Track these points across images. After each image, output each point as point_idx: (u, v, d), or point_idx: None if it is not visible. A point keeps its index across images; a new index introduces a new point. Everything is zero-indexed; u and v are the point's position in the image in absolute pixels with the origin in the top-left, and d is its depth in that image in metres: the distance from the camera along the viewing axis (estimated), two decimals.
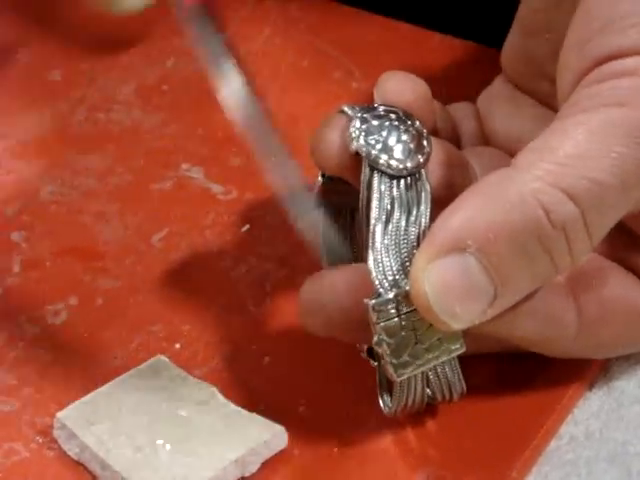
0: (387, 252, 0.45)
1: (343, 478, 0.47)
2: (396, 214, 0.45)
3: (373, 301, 0.44)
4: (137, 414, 0.47)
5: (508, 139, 0.51)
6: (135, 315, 0.51)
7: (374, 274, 0.44)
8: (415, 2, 0.61)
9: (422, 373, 0.45)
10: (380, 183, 0.46)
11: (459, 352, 0.45)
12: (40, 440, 0.47)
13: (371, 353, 0.47)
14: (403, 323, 0.44)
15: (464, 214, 0.43)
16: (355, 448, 0.47)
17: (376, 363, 0.47)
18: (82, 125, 0.57)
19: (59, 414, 0.47)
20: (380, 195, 0.45)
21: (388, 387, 0.46)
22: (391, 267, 0.44)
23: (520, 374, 0.49)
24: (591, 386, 0.49)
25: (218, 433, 0.46)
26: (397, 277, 0.44)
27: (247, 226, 0.54)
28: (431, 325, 0.44)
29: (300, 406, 0.48)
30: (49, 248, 0.53)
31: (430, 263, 0.43)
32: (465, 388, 0.46)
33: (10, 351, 0.50)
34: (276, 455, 0.47)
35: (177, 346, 0.50)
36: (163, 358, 0.49)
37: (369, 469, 0.47)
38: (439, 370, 0.46)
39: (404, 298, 0.44)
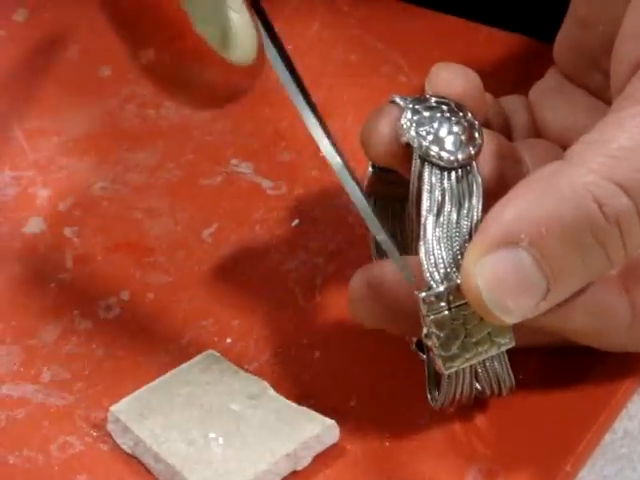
0: (439, 244, 0.45)
1: (394, 472, 0.47)
2: (447, 206, 0.45)
3: (424, 294, 0.44)
4: (189, 408, 0.47)
5: (560, 131, 0.51)
6: (186, 310, 0.51)
7: (425, 266, 0.44)
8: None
9: (470, 367, 0.45)
10: (431, 175, 0.46)
11: (508, 346, 0.45)
12: (94, 434, 0.48)
13: (420, 346, 0.48)
14: (453, 316, 0.44)
15: (516, 208, 0.43)
16: (406, 442, 0.47)
17: (425, 356, 0.47)
18: (132, 121, 0.57)
19: (113, 408, 0.47)
20: (431, 187, 0.45)
21: (436, 380, 0.46)
22: (443, 260, 0.44)
23: (572, 368, 0.49)
24: None
25: (270, 427, 0.47)
26: (449, 270, 0.44)
27: (297, 221, 0.54)
28: (481, 319, 0.44)
29: (351, 400, 0.48)
30: (101, 243, 0.53)
31: (482, 257, 0.43)
32: (514, 383, 0.46)
33: (64, 346, 0.50)
34: (328, 449, 0.47)
35: (228, 341, 0.50)
36: (214, 352, 0.49)
37: (420, 463, 0.47)
38: (487, 364, 0.46)
39: (455, 291, 0.44)
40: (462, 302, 0.44)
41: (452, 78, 0.48)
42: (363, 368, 0.49)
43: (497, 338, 0.45)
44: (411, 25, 0.59)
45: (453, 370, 0.45)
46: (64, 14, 0.61)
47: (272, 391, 0.48)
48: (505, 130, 0.51)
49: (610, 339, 0.47)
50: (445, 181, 0.46)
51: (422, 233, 0.45)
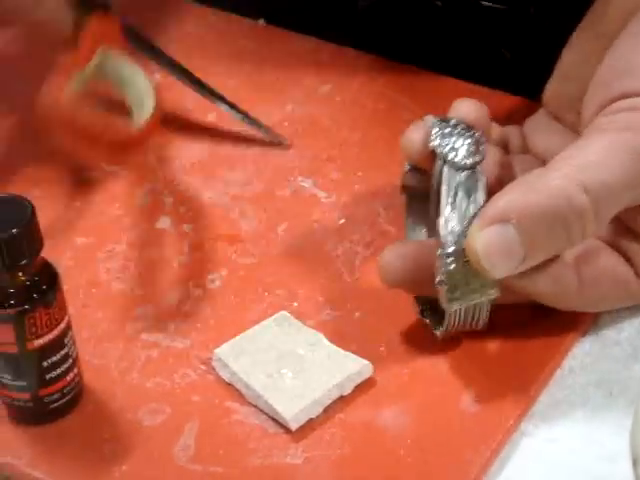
0: (452, 220, 0.44)
1: (411, 395, 0.46)
2: (459, 195, 0.44)
3: (440, 251, 0.44)
4: (268, 352, 0.47)
5: (543, 151, 0.50)
6: (266, 282, 0.50)
7: (442, 233, 0.44)
8: (474, 64, 0.59)
9: (465, 308, 0.45)
10: (448, 172, 0.45)
11: (494, 296, 0.45)
12: (203, 368, 0.47)
13: (422, 314, 0.47)
14: (458, 270, 0.44)
15: (508, 197, 0.43)
16: (421, 374, 0.46)
17: (427, 320, 0.47)
18: (229, 150, 0.56)
19: (216, 350, 0.47)
20: (448, 181, 0.45)
21: (440, 321, 0.46)
22: (454, 231, 0.44)
23: (535, 323, 0.47)
24: (584, 333, 0.48)
25: (324, 366, 0.46)
26: (457, 238, 0.44)
27: (342, 220, 0.53)
28: (478, 274, 0.44)
29: (381, 346, 0.48)
30: (207, 235, 0.52)
31: (482, 229, 0.43)
32: (487, 322, 0.46)
33: (182, 306, 0.50)
34: (364, 381, 0.46)
35: (295, 304, 0.49)
36: (285, 313, 0.49)
37: (431, 389, 0.46)
38: (476, 307, 0.45)
39: (461, 252, 0.44)
40: (465, 260, 0.44)
41: (469, 107, 0.47)
42: (390, 323, 0.48)
43: (487, 289, 0.44)
44: (425, 85, 0.58)
45: (455, 308, 0.45)
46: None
47: (326, 340, 0.47)
48: (504, 148, 0.50)
49: (563, 301, 0.46)
50: (458, 177, 0.45)
51: (441, 212, 0.44)
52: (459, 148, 0.45)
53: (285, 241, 0.52)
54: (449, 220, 0.44)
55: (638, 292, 0.46)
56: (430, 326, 0.47)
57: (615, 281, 0.46)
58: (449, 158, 0.45)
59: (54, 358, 0.44)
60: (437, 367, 0.47)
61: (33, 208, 0.42)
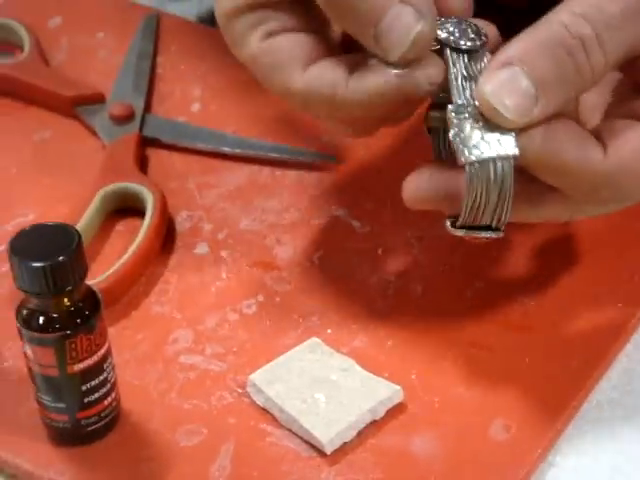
0: (464, 87, 0.43)
1: (443, 422, 0.46)
2: (466, 71, 0.44)
3: (451, 106, 0.43)
4: (302, 377, 0.47)
5: None
6: (301, 309, 0.51)
7: (455, 92, 0.43)
8: None
9: (485, 190, 0.42)
10: (455, 57, 0.44)
11: (513, 152, 0.42)
12: (240, 391, 0.48)
13: (454, 225, 0.44)
14: (472, 122, 0.42)
15: (511, 45, 0.42)
16: (451, 401, 0.47)
17: (452, 229, 0.44)
18: (266, 179, 0.57)
19: (251, 376, 0.47)
20: (455, 65, 0.44)
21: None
22: (464, 92, 0.43)
23: (565, 351, 0.48)
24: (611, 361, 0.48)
25: (357, 391, 0.47)
26: (469, 97, 0.43)
27: (380, 250, 0.53)
28: (493, 128, 0.42)
29: (412, 374, 0.48)
30: (245, 262, 0.53)
31: (490, 75, 0.42)
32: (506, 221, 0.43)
33: (220, 330, 0.50)
34: (395, 406, 0.47)
35: (329, 331, 0.50)
36: (317, 339, 0.49)
37: (461, 417, 0.46)
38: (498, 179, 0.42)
39: (474, 108, 0.42)
40: (479, 114, 0.42)
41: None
42: (421, 353, 0.49)
43: (504, 146, 0.42)
44: None
45: (472, 159, 0.42)
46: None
47: (358, 367, 0.48)
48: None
49: (588, 174, 0.43)
50: (463, 59, 0.44)
51: (454, 81, 0.43)
52: (462, 33, 0.44)
53: (320, 269, 0.52)
54: (461, 85, 0.43)
55: None
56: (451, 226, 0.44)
57: (638, 134, 0.43)
58: (452, 43, 0.44)
59: (93, 382, 0.45)
60: (467, 395, 0.47)
61: (79, 236, 0.43)
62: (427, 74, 0.44)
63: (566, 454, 0.45)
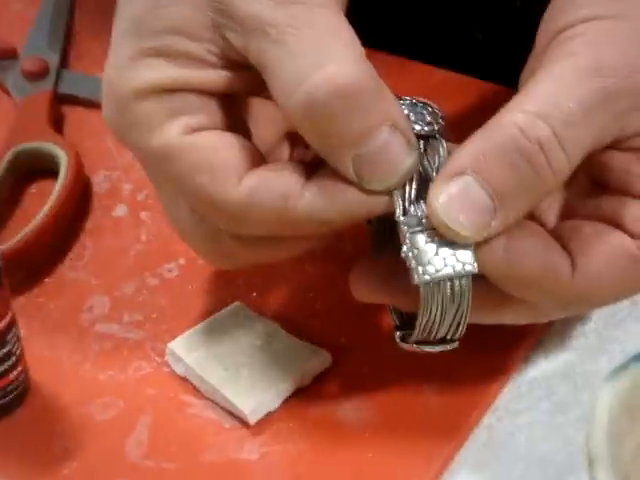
0: (419, 191, 0.40)
1: (370, 386, 0.45)
2: (421, 165, 0.40)
3: (403, 218, 0.39)
4: (224, 344, 0.45)
5: None
6: (224, 272, 0.48)
7: (403, 206, 0.39)
8: (450, 50, 0.56)
9: (441, 310, 0.39)
10: None
11: (472, 270, 0.39)
12: (159, 360, 0.46)
13: (402, 339, 0.43)
14: (425, 237, 0.39)
15: (462, 150, 0.39)
16: (380, 369, 0.45)
17: (405, 345, 0.42)
18: None
19: (169, 344, 0.46)
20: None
21: (410, 323, 0.42)
22: (418, 198, 0.40)
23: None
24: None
25: (283, 357, 0.45)
26: (423, 205, 0.39)
27: None
28: (448, 243, 0.39)
29: (341, 338, 0.46)
30: (166, 223, 0.49)
31: (440, 187, 0.39)
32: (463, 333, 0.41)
33: (138, 297, 0.48)
34: (323, 372, 0.45)
35: (254, 294, 0.48)
36: (239, 303, 0.47)
37: (393, 381, 0.45)
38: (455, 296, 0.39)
39: (426, 219, 0.39)
40: (432, 227, 0.39)
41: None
42: (351, 315, 0.47)
43: (461, 258, 0.39)
44: (408, 76, 0.55)
45: (427, 280, 0.39)
46: None
47: (284, 332, 0.46)
48: None
49: (554, 293, 0.40)
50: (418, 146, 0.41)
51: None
52: (417, 117, 0.41)
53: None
54: (410, 191, 0.39)
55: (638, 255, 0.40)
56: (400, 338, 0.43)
57: (609, 246, 0.40)
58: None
59: None
60: (399, 359, 0.45)
61: None
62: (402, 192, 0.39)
63: (501, 417, 0.44)
